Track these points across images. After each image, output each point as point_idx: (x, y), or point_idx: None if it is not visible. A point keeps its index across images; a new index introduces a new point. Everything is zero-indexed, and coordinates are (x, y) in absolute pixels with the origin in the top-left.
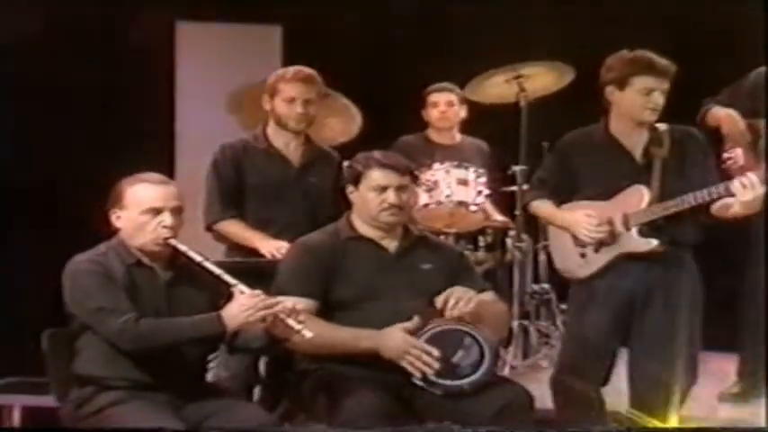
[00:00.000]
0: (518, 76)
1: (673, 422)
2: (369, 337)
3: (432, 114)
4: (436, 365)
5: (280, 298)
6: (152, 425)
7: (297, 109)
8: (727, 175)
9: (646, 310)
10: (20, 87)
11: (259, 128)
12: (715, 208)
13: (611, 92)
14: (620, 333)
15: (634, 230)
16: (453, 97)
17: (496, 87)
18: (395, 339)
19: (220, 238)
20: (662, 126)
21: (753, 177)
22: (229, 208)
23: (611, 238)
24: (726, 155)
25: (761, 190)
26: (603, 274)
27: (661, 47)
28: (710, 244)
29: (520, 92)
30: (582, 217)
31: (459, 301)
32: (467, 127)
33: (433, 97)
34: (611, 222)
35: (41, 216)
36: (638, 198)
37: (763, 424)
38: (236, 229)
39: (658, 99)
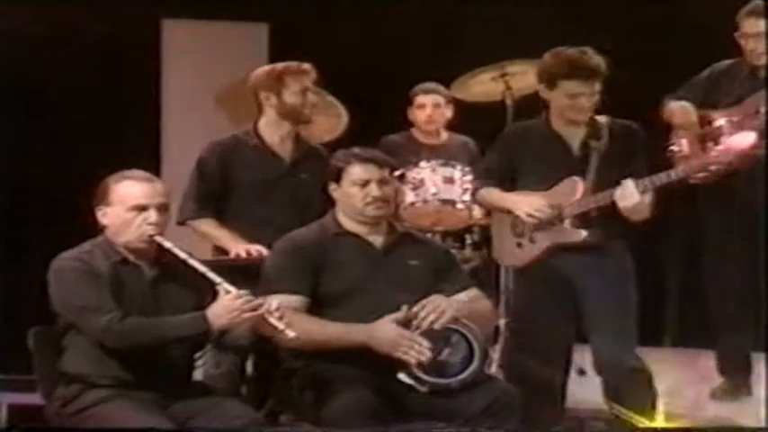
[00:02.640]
0: (504, 74)
1: (659, 418)
2: (360, 331)
3: (418, 116)
4: (428, 354)
5: (268, 298)
6: (138, 423)
7: (310, 98)
8: (669, 165)
9: (586, 298)
10: (4, 86)
11: (250, 124)
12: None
13: (542, 90)
14: (568, 325)
15: (567, 222)
16: (440, 99)
17: (482, 85)
18: (386, 331)
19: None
20: (602, 119)
21: (629, 185)
22: (205, 207)
23: (555, 221)
24: (671, 145)
25: (637, 199)
26: (538, 264)
27: (651, 46)
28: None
29: (506, 90)
30: (527, 198)
31: (430, 314)
32: (453, 125)
33: (420, 99)
34: (556, 207)
35: (27, 213)
36: (572, 189)
37: (762, 423)
38: (207, 228)
39: (585, 103)
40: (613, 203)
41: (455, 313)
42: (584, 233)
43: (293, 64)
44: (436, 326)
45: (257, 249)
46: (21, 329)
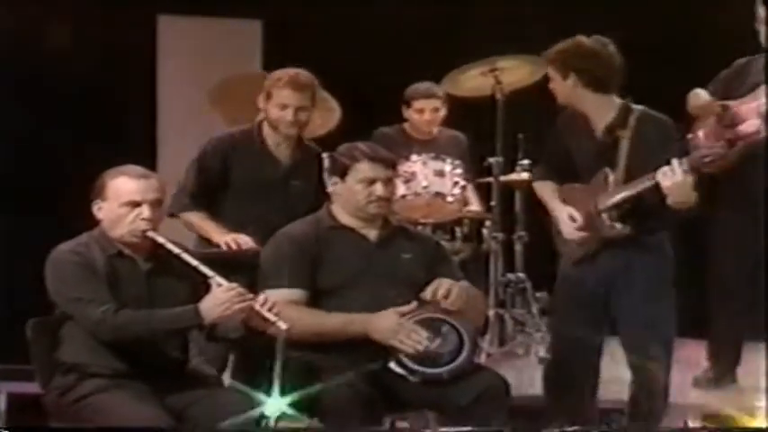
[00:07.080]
0: (494, 70)
1: None
2: (359, 321)
3: (415, 118)
4: (425, 344)
5: (266, 293)
6: (135, 413)
7: (288, 117)
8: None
9: (623, 296)
10: (2, 83)
11: (254, 124)
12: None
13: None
14: (600, 322)
15: (604, 216)
16: (438, 103)
17: (472, 80)
18: (387, 320)
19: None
20: (635, 107)
21: (675, 165)
22: (198, 202)
23: (590, 239)
24: (690, 135)
25: (681, 178)
26: (581, 262)
27: (651, 43)
28: (678, 229)
29: (496, 85)
30: (566, 217)
31: (449, 293)
32: (443, 119)
33: (419, 104)
34: (587, 224)
35: (25, 207)
36: (604, 180)
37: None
38: (195, 219)
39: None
40: (652, 191)
41: (464, 297)
42: (618, 227)
43: (284, 77)
44: (446, 304)
45: (244, 240)
46: (20, 320)
